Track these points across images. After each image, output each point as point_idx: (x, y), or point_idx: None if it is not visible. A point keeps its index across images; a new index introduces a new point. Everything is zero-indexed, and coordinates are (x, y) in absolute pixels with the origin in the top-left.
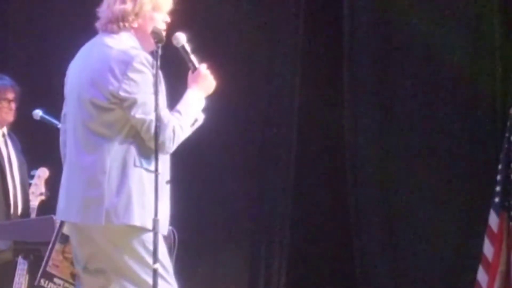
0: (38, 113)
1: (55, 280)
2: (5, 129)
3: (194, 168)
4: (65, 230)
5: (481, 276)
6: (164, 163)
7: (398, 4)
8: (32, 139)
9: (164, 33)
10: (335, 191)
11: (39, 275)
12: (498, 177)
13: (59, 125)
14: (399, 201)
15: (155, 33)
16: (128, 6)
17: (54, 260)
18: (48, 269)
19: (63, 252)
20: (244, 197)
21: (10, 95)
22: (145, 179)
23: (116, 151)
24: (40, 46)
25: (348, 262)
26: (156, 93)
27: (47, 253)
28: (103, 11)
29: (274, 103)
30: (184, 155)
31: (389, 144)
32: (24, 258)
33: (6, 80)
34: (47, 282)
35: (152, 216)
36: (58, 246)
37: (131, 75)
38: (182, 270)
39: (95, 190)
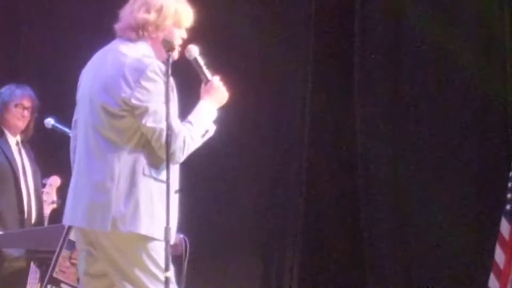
0: (49, 121)
1: (62, 285)
2: (18, 138)
3: (207, 173)
4: (72, 236)
5: (492, 283)
6: (174, 172)
7: (409, 12)
8: (44, 148)
9: (178, 47)
10: (347, 195)
11: (45, 280)
12: (509, 184)
13: (71, 133)
14: (410, 207)
15: (166, 42)
16: (152, 16)
17: (61, 266)
18: (54, 274)
19: (70, 258)
20: (257, 201)
21: (26, 103)
22: (153, 188)
23: (125, 159)
24: (51, 55)
25: (360, 266)
26: (167, 101)
27: (54, 259)
28: (125, 15)
29: (286, 112)
30: (198, 162)
31: (400, 150)
32: (37, 266)
33: (26, 90)
34: (53, 287)
35: (160, 225)
36: (65, 252)
37: (144, 83)
38: (194, 273)
39: (102, 196)
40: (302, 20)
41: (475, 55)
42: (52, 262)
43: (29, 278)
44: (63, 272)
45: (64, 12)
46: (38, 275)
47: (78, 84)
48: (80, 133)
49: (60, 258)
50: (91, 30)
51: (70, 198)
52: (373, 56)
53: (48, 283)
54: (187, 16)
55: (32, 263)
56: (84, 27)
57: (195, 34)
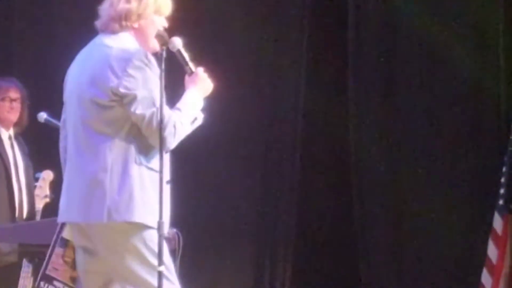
0: (42, 115)
1: (55, 283)
2: (11, 132)
3: (199, 170)
4: (65, 234)
5: (485, 278)
6: (165, 163)
7: (403, 7)
8: (37, 142)
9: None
10: (340, 193)
11: (38, 277)
12: (502, 179)
13: (60, 134)
14: (404, 205)
15: (160, 36)
16: (133, 5)
17: (54, 264)
18: (47, 272)
19: (63, 256)
20: (249, 199)
21: (13, 95)
22: (145, 177)
23: (117, 149)
24: (44, 49)
25: (353, 264)
26: (161, 93)
27: (47, 256)
28: (105, 9)
29: (279, 106)
30: (189, 157)
31: (394, 146)
32: (29, 261)
33: (11, 82)
34: (46, 285)
35: (153, 213)
36: (58, 250)
37: (131, 71)
38: (187, 271)
39: (97, 188)
40: (296, 15)
41: (469, 51)
42: (45, 260)
43: (21, 273)
44: (56, 269)
45: (57, 7)
46: (30, 270)
47: (64, 84)
48: (70, 131)
49: (53, 256)
50: (85, 26)
51: (64, 195)
52: (366, 43)
53: (41, 280)
54: (166, 3)
55: (24, 258)
56: (78, 22)
57: (187, 26)
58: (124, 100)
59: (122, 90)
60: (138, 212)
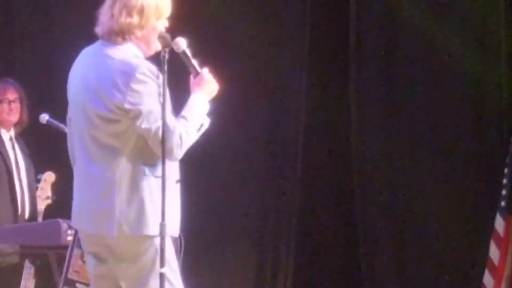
0: (44, 117)
1: (77, 285)
2: (12, 133)
3: (201, 170)
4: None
5: (487, 279)
6: (174, 163)
7: (404, 6)
8: (39, 143)
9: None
10: (342, 193)
11: (61, 283)
12: (504, 181)
13: (66, 129)
14: (405, 205)
15: (162, 38)
16: (135, 20)
17: (74, 266)
18: (69, 276)
19: (81, 256)
20: (250, 199)
21: (11, 96)
22: (154, 186)
23: (125, 162)
24: (46, 51)
25: (355, 263)
26: (164, 97)
27: (67, 260)
28: (105, 18)
29: (280, 106)
30: (192, 159)
31: (396, 147)
32: (31, 262)
33: (8, 83)
34: None
35: (167, 222)
36: (76, 251)
37: (135, 86)
38: (188, 271)
39: (105, 201)
40: (297, 15)
41: (471, 50)
42: (65, 263)
43: (23, 274)
44: (77, 271)
45: (59, 9)
46: (32, 271)
47: (68, 85)
48: (76, 136)
49: (72, 258)
50: (86, 27)
51: (76, 202)
52: (367, 43)
53: (64, 285)
54: (167, 6)
55: (26, 259)
56: (79, 23)
57: (188, 27)
58: (130, 115)
59: (126, 105)
60: (150, 224)
